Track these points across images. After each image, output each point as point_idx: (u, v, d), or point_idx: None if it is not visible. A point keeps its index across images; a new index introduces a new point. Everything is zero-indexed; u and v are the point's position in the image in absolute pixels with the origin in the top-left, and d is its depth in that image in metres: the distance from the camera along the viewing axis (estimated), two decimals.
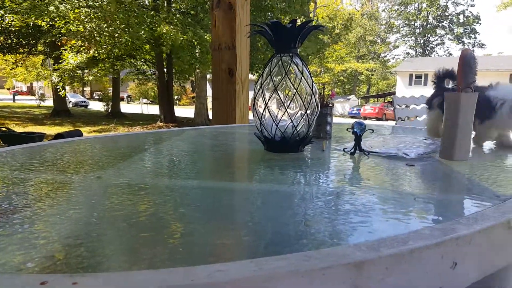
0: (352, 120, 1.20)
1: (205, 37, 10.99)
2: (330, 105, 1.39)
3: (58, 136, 4.84)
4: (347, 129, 1.12)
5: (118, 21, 10.37)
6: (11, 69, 18.52)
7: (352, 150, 1.10)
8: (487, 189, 0.80)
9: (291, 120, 1.09)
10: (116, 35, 10.78)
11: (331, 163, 1.05)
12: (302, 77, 1.09)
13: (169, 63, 13.94)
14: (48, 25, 10.88)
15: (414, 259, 0.48)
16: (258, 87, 1.12)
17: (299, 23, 1.09)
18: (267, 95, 1.10)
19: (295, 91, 1.08)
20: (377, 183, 0.85)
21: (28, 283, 0.39)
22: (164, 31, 10.33)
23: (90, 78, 13.80)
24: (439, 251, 0.50)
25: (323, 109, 1.38)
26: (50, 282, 0.38)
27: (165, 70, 14.40)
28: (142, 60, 15.24)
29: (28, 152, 1.15)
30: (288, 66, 1.09)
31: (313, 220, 0.59)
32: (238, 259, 0.45)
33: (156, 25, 10.71)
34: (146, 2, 11.60)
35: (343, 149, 1.16)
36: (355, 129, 1.09)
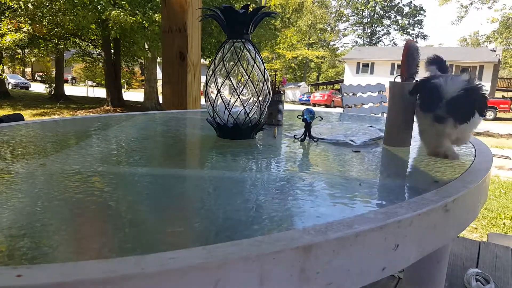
0: (303, 107, 1.23)
1: (155, 18, 10.59)
2: (282, 92, 1.41)
3: None
4: (297, 116, 1.14)
5: (62, 1, 9.75)
6: None
7: (302, 137, 1.13)
8: (427, 175, 0.86)
9: (244, 107, 1.10)
10: (60, 13, 10.13)
11: (282, 149, 1.07)
12: (255, 64, 1.09)
13: (117, 44, 13.33)
14: None
15: (359, 241, 0.51)
16: (211, 72, 1.11)
17: (251, 9, 1.08)
18: (220, 80, 1.10)
19: (247, 77, 1.08)
20: (325, 169, 0.88)
21: None
22: (112, 14, 9.85)
23: (33, 59, 12.88)
24: (382, 234, 0.54)
25: (274, 95, 1.40)
26: None
27: (112, 51, 13.76)
28: (88, 40, 14.44)
29: None
30: (241, 52, 1.09)
31: (263, 205, 0.60)
32: (189, 247, 0.45)
33: (103, 7, 10.16)
34: None
35: (294, 136, 1.19)
36: (305, 116, 1.12)
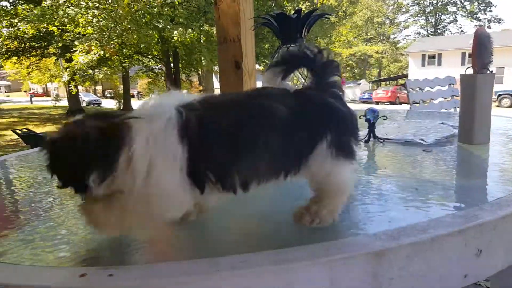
0: (364, 106, 1.19)
1: (211, 31, 10.95)
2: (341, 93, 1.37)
3: None
4: (359, 117, 1.11)
5: (126, 22, 10.46)
6: (28, 74, 18.83)
7: (366, 138, 1.09)
8: (509, 173, 0.79)
9: None
10: (125, 33, 10.88)
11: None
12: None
13: (175, 58, 13.94)
14: (59, 30, 11.07)
15: (435, 247, 0.48)
16: None
17: (305, 11, 1.08)
18: None
19: (303, 81, 1.08)
20: (394, 171, 0.84)
21: (68, 276, 0.42)
22: (175, 35, 10.43)
23: (101, 76, 13.93)
24: (462, 239, 0.50)
25: None
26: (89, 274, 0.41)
27: (171, 65, 14.44)
28: (149, 56, 15.29)
29: None
30: None
31: None
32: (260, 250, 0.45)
33: (163, 25, 10.75)
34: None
35: None
36: (368, 117, 1.08)
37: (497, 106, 15.55)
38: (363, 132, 1.16)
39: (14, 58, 14.87)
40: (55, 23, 10.50)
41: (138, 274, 0.42)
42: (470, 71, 1.02)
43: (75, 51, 11.45)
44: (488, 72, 1.01)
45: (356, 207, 0.61)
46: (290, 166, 0.51)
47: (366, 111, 1.10)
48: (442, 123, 1.30)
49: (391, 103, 23.10)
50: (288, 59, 0.59)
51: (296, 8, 1.12)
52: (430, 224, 0.51)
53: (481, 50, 1.01)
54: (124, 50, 12.16)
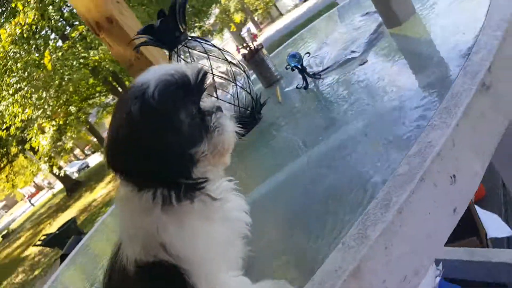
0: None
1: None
2: (260, 47, 1.26)
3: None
4: (285, 68, 1.01)
5: (56, 80, 10.10)
6: (11, 186, 18.56)
7: (304, 85, 1.00)
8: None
9: (238, 103, 0.99)
10: (60, 89, 10.56)
11: (299, 104, 0.97)
12: (209, 56, 0.97)
13: (117, 79, 13.47)
14: (3, 131, 10.80)
15: None
16: None
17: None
18: None
19: (211, 72, 0.97)
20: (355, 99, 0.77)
21: None
22: (97, 57, 9.97)
23: (70, 143, 13.68)
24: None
25: (255, 56, 1.26)
26: None
27: (118, 88, 14.03)
28: (96, 95, 14.83)
29: None
30: (191, 58, 0.98)
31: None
32: None
33: (85, 55, 10.29)
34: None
35: (296, 87, 1.06)
36: (292, 65, 0.98)
37: None
38: (299, 79, 1.06)
39: None
40: None
41: None
42: None
43: (31, 138, 11.20)
44: None
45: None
46: None
47: (288, 60, 1.00)
48: (367, 13, 1.16)
49: None
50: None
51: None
52: None
53: None
54: (71, 107, 11.83)
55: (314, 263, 0.47)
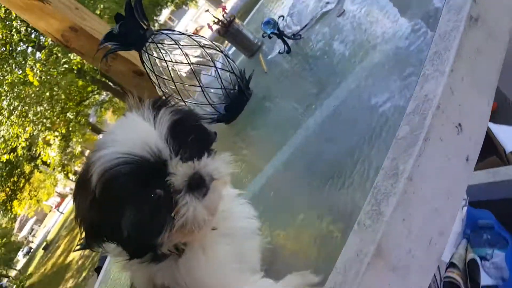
0: None
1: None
2: (232, 18, 1.19)
3: None
4: (262, 36, 0.96)
5: (46, 92, 10.05)
6: (36, 201, 18.92)
7: (286, 49, 0.95)
8: None
9: (223, 86, 0.95)
10: (53, 99, 10.53)
11: (286, 70, 0.93)
12: (179, 46, 0.92)
13: (107, 76, 13.31)
14: (10, 154, 10.92)
15: None
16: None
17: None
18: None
19: (190, 63, 0.93)
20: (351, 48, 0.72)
21: None
22: (78, 59, 9.80)
23: (78, 148, 13.79)
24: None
25: (230, 28, 1.19)
26: None
27: (110, 83, 13.87)
28: (90, 96, 14.73)
29: None
30: (163, 51, 0.93)
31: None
32: None
33: (66, 60, 10.13)
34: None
35: (279, 52, 1.01)
36: (269, 32, 0.93)
37: None
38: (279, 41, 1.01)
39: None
40: (3, 151, 10.33)
41: None
42: None
43: (40, 154, 11.32)
44: None
45: None
46: None
47: (263, 28, 0.94)
48: None
49: None
50: None
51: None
52: None
53: None
54: (68, 114, 11.81)
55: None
